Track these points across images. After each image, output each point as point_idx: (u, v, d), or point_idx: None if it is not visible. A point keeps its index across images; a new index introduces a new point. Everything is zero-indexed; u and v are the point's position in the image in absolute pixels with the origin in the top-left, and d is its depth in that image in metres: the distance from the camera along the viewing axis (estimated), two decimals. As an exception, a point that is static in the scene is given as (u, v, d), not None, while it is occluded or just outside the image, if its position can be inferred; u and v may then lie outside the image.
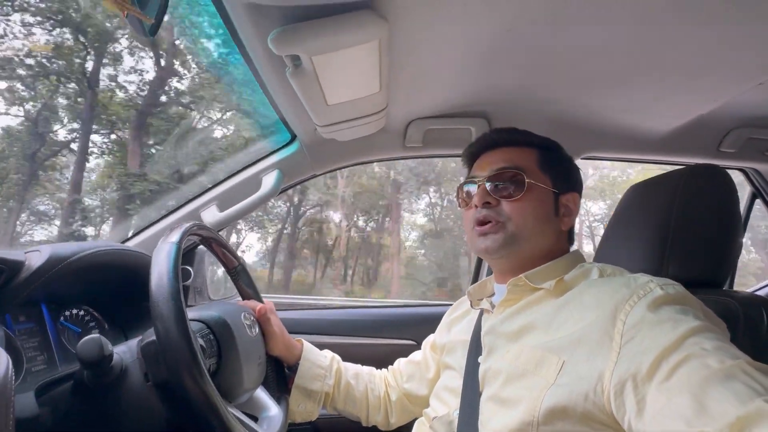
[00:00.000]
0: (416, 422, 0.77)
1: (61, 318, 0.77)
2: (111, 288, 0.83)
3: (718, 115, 1.04)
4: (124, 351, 0.62)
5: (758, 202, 1.44)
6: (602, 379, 0.49)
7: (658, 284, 0.54)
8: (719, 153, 1.21)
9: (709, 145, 1.20)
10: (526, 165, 0.70)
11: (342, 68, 0.70)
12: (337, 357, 0.93)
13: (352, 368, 0.93)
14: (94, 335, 0.55)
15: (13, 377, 0.41)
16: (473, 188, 0.72)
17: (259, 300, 0.88)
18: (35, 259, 0.60)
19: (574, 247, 0.76)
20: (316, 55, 0.65)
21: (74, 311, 0.80)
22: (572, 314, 0.58)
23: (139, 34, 0.47)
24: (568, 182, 0.73)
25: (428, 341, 0.93)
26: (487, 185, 0.70)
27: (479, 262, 1.38)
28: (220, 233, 0.88)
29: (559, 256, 0.70)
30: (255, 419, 0.72)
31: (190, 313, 0.66)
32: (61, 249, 0.64)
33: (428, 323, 1.00)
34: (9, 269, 0.57)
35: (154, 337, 0.58)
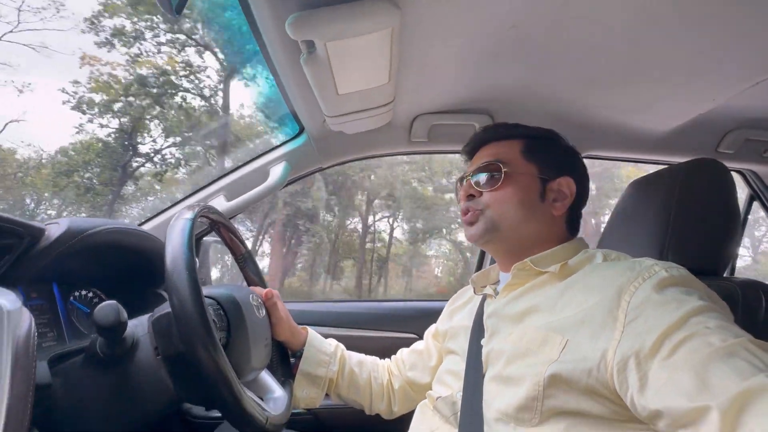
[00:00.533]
0: (419, 405, 0.78)
1: (71, 298, 0.78)
2: (120, 270, 0.84)
3: (717, 115, 1.06)
4: (136, 325, 0.63)
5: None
6: (605, 357, 0.50)
7: (663, 267, 0.55)
8: (718, 154, 1.22)
9: (707, 146, 1.21)
10: (508, 156, 0.73)
11: (354, 56, 0.73)
12: (341, 345, 0.93)
13: (355, 356, 0.93)
14: (111, 301, 0.55)
15: (36, 334, 0.42)
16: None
17: (264, 287, 0.89)
18: (54, 230, 0.61)
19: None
20: (330, 42, 0.67)
21: (83, 292, 0.81)
22: (576, 296, 0.59)
23: (165, 11, 0.49)
24: (560, 168, 0.74)
25: (430, 330, 0.94)
26: (472, 179, 0.75)
27: (482, 253, 1.41)
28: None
29: (559, 242, 0.71)
30: (260, 399, 0.73)
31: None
32: (80, 222, 0.65)
33: (430, 317, 1.00)
34: (30, 236, 0.58)
35: (166, 311, 0.59)
